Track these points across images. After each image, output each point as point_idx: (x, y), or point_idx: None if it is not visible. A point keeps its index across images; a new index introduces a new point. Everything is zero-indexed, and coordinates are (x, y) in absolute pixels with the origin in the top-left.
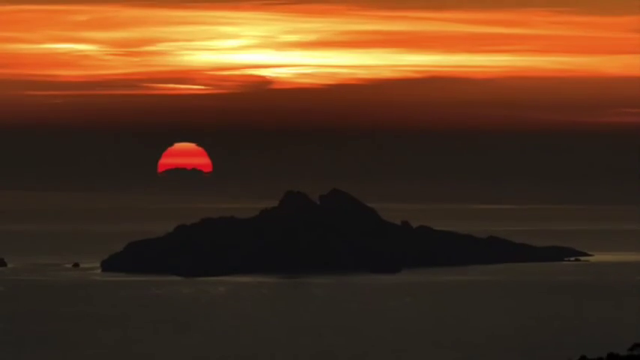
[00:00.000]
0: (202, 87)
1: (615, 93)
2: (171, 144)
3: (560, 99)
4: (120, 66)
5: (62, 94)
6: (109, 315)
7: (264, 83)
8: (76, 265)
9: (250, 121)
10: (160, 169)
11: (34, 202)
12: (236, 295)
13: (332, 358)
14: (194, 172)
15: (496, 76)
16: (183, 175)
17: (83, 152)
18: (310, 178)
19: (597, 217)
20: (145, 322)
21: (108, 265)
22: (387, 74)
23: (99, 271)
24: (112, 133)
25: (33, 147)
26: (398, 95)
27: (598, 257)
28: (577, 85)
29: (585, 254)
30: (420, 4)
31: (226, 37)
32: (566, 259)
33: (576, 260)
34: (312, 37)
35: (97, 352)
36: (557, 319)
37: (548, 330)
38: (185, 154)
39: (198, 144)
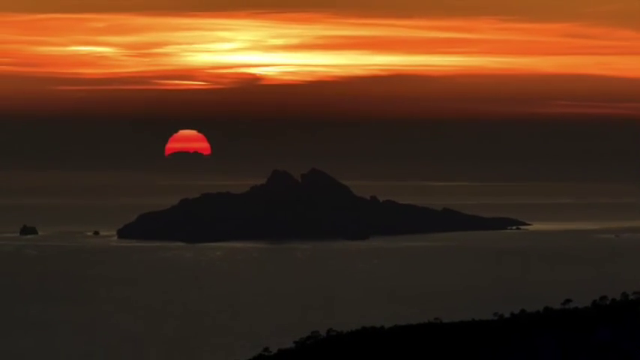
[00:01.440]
0: (202, 83)
1: (551, 88)
2: (175, 131)
3: (505, 93)
4: (133, 65)
5: (84, 89)
6: (124, 275)
7: (254, 80)
8: (96, 232)
9: (243, 111)
10: (167, 152)
11: (61, 180)
12: (231, 258)
13: (311, 311)
14: (195, 155)
15: (451, 74)
16: (186, 157)
17: (102, 138)
18: (293, 159)
19: (535, 193)
20: (154, 280)
21: (123, 233)
22: (358, 72)
23: (115, 238)
24: (126, 121)
25: (59, 133)
26: (367, 90)
27: (536, 226)
28: (518, 81)
29: (525, 224)
30: (386, 12)
31: (223, 40)
32: (509, 227)
33: (517, 229)
34: (295, 41)
35: (114, 307)
36: (502, 278)
37: (494, 287)
38: (188, 139)
39: (199, 131)
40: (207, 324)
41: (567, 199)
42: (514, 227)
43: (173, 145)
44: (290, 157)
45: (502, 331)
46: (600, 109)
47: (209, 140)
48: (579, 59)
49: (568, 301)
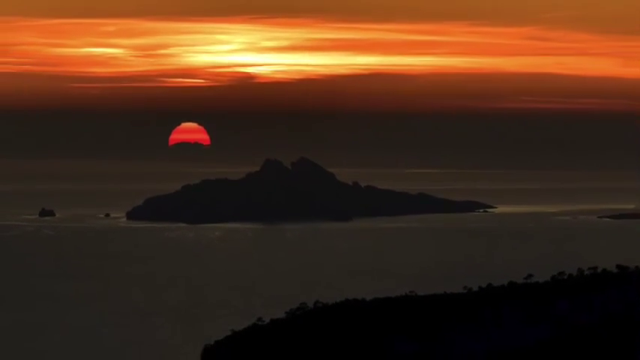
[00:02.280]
0: (202, 81)
1: (515, 85)
2: (178, 123)
3: (473, 90)
4: (140, 65)
5: (97, 86)
6: (133, 253)
7: (249, 78)
8: (107, 215)
9: (239, 106)
10: (170, 142)
11: (76, 168)
12: (229, 238)
13: (300, 285)
14: (196, 145)
15: (425, 73)
16: (187, 147)
17: (113, 130)
18: (284, 149)
19: (501, 179)
20: (160, 258)
21: (131, 215)
22: (341, 71)
23: (124, 219)
24: (134, 115)
25: (75, 126)
26: (350, 87)
27: (501, 209)
28: (486, 79)
29: (491, 207)
30: (367, 18)
31: (221, 42)
32: (477, 210)
33: (485, 211)
34: (285, 43)
35: (124, 281)
36: (470, 255)
37: (464, 264)
38: (189, 131)
39: (199, 123)
40: (207, 297)
41: (529, 185)
42: (482, 210)
43: (176, 136)
44: (281, 147)
45: (471, 303)
46: (559, 104)
47: (208, 132)
48: (540, 59)
49: (530, 276)
